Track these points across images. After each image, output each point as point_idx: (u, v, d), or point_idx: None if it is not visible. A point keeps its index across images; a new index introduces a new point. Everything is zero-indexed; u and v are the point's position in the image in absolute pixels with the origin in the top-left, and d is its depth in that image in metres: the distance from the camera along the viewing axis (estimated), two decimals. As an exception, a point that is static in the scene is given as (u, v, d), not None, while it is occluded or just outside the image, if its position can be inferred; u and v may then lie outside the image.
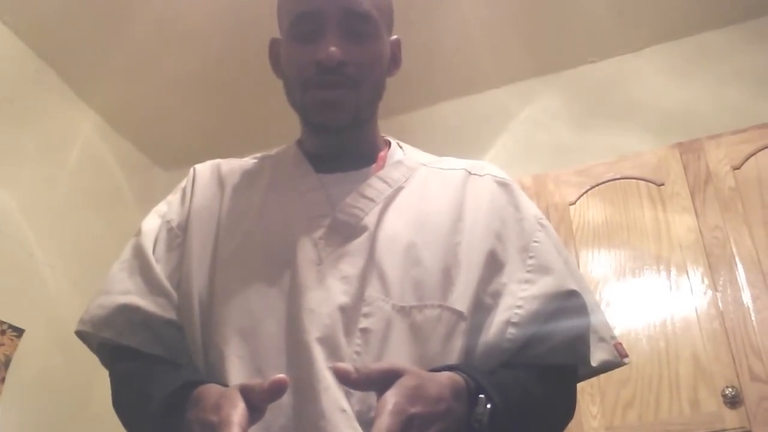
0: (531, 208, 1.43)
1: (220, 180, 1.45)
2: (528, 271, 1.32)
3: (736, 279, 2.85)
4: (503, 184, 1.44)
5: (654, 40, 3.86)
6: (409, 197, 1.36)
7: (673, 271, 2.95)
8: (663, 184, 3.10)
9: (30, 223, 3.43)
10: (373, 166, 1.41)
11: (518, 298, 1.28)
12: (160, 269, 1.35)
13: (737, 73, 3.63)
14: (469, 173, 1.43)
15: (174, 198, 1.47)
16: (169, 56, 3.83)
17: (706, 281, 2.89)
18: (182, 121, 4.26)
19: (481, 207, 1.37)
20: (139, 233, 1.42)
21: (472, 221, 1.34)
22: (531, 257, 1.34)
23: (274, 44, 1.48)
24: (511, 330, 1.24)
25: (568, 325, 1.29)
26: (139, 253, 1.38)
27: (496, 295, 1.28)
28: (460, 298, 1.25)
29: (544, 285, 1.30)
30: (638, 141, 3.56)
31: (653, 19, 3.75)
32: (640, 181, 3.15)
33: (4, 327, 3.15)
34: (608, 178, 3.20)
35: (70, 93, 3.93)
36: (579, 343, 1.31)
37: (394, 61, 1.47)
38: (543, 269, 1.33)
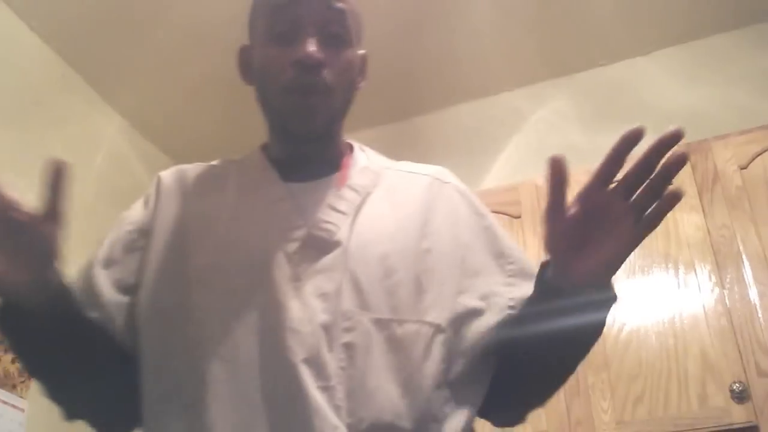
0: (489, 214, 1.47)
1: (184, 187, 1.43)
2: (510, 276, 1.37)
3: (743, 276, 2.87)
4: (463, 193, 1.47)
5: (663, 44, 3.87)
6: (378, 204, 1.36)
7: (681, 269, 2.97)
8: (671, 184, 3.10)
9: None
10: (338, 173, 1.40)
11: (508, 299, 1.33)
12: (105, 277, 1.36)
13: (744, 75, 3.64)
14: (433, 178, 1.45)
15: (137, 204, 1.46)
16: (193, 60, 3.86)
17: (714, 279, 2.90)
18: (206, 124, 4.28)
19: (447, 214, 1.40)
20: (100, 244, 1.43)
21: (439, 227, 1.37)
22: (510, 263, 1.39)
23: (243, 51, 1.50)
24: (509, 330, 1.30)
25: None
26: (88, 266, 1.40)
27: (484, 298, 1.32)
28: (436, 310, 1.27)
29: (530, 288, 1.32)
30: (647, 142, 3.55)
31: (662, 23, 3.77)
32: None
33: (33, 324, 3.21)
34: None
35: (95, 97, 3.97)
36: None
37: (362, 75, 1.48)
38: (524, 274, 1.38)
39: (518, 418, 1.41)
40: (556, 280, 1.19)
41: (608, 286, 1.21)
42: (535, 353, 1.29)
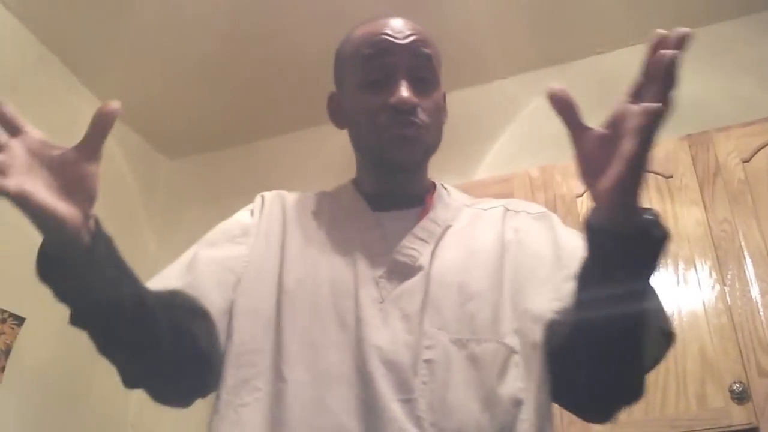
0: (563, 228, 1.51)
1: (284, 209, 1.54)
2: (563, 282, 1.38)
3: (745, 273, 2.83)
4: (536, 217, 1.54)
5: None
6: (457, 236, 1.46)
7: (681, 265, 2.92)
8: (671, 177, 3.07)
9: (32, 211, 3.41)
10: (423, 207, 1.52)
11: (553, 305, 1.36)
12: (206, 252, 1.47)
13: (747, 65, 3.62)
14: (506, 209, 1.54)
15: (239, 213, 1.58)
16: (174, 44, 3.83)
17: (714, 275, 2.87)
18: (186, 110, 4.27)
19: (521, 244, 1.46)
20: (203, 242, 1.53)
21: (514, 260, 1.43)
22: (565, 268, 1.39)
23: (332, 99, 1.61)
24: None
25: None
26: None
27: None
28: (510, 334, 1.33)
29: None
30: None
31: (662, 11, 3.72)
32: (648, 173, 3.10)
33: (5, 315, 3.16)
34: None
35: (73, 80, 3.93)
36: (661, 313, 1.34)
37: (445, 112, 1.59)
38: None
39: (605, 414, 1.41)
40: (595, 217, 1.18)
41: (641, 214, 1.17)
42: (597, 323, 1.25)
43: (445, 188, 1.61)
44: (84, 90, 3.99)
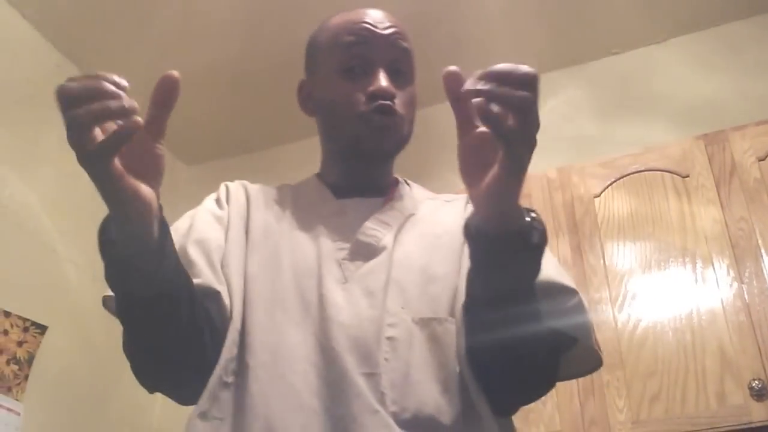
0: None
1: (247, 197, 1.53)
2: None
3: (762, 271, 2.83)
4: None
5: (678, 31, 3.83)
6: (420, 223, 1.47)
7: (699, 264, 2.93)
8: (688, 176, 3.08)
9: (52, 219, 3.43)
10: (386, 197, 1.52)
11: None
12: (195, 247, 1.41)
13: (762, 64, 3.61)
14: (467, 202, 1.50)
15: (208, 202, 1.54)
16: (191, 51, 3.84)
17: (732, 273, 2.87)
18: (204, 116, 4.25)
19: None
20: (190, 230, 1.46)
21: None
22: None
23: (302, 86, 1.60)
24: None
25: (567, 313, 1.32)
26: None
27: None
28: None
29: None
30: (663, 133, 3.53)
31: (677, 10, 3.73)
32: (665, 173, 3.12)
33: (27, 324, 3.18)
34: (633, 170, 3.18)
35: (91, 88, 3.92)
36: (582, 327, 1.35)
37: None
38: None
39: (505, 408, 1.35)
40: (473, 219, 1.16)
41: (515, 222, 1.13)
42: (482, 325, 1.25)
43: (408, 183, 1.61)
44: (102, 99, 3.99)
